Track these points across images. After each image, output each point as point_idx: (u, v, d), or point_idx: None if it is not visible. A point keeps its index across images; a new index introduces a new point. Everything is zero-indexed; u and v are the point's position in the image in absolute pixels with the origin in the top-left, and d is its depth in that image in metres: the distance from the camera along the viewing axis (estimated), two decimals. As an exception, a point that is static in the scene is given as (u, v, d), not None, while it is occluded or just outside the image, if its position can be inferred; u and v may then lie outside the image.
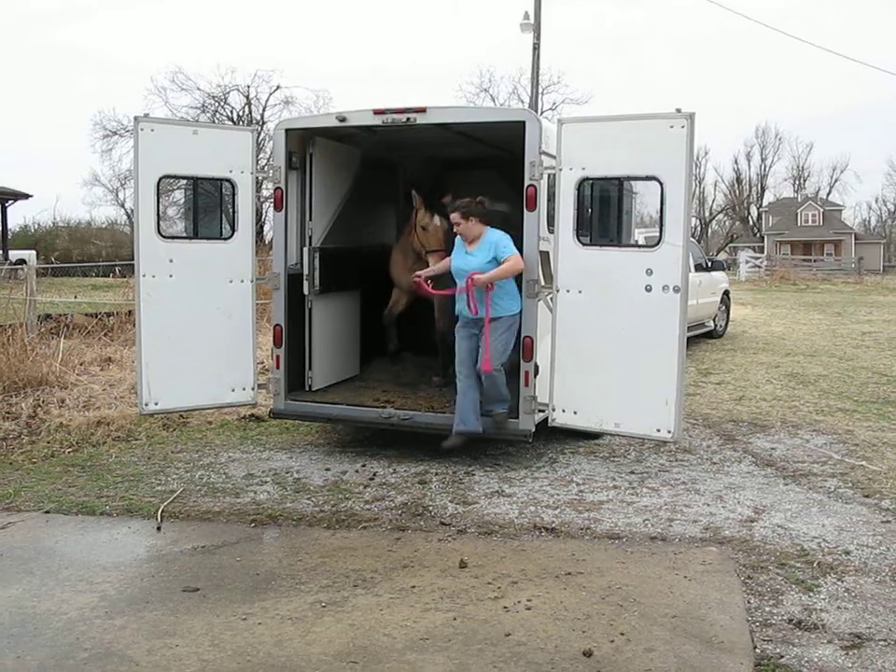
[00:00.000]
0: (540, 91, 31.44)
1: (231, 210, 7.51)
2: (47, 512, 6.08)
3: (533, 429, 6.93)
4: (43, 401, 8.98)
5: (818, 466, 7.26)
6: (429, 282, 7.28)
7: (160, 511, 6.02)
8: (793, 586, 4.77)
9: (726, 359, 13.45)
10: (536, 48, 25.12)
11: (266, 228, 30.00)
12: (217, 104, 44.78)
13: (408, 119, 7.12)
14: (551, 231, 6.98)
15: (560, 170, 6.71)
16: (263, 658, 3.98)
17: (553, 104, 48.17)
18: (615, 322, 6.60)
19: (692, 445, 7.89)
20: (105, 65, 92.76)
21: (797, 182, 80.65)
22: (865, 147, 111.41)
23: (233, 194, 7.35)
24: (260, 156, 27.47)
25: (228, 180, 7.32)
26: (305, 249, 7.89)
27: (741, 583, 4.81)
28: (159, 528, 5.77)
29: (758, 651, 4.05)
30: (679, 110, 6.35)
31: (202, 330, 7.24)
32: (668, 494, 6.44)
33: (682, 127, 6.28)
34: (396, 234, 9.09)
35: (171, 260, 7.13)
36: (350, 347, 8.77)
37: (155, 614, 4.44)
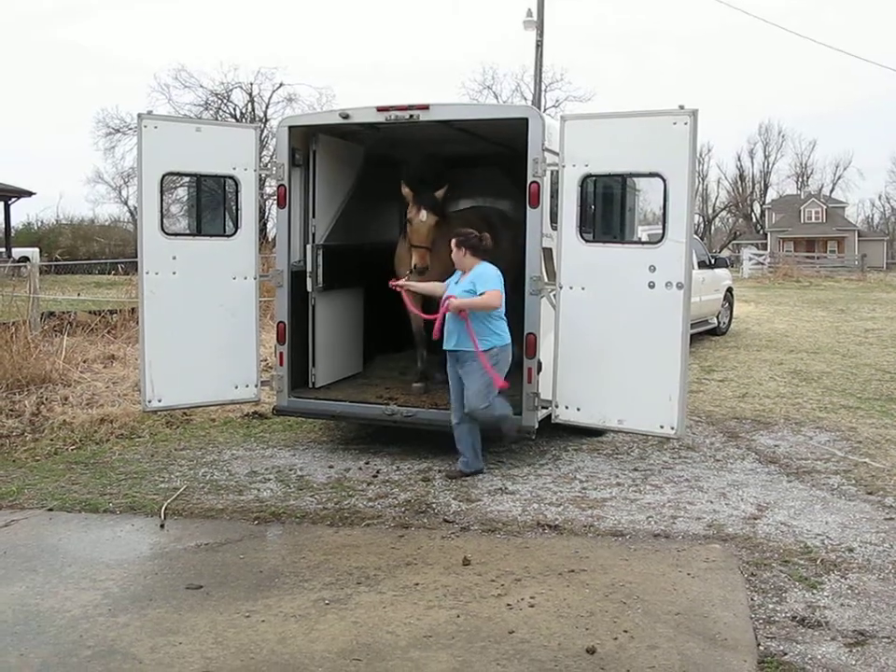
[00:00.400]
0: (543, 88, 31.43)
1: (234, 207, 7.51)
2: (50, 510, 6.08)
3: (536, 426, 6.92)
4: (46, 399, 9.00)
5: (821, 463, 7.25)
6: (409, 294, 7.10)
7: (163, 508, 6.03)
8: (797, 583, 4.77)
9: (729, 356, 13.44)
10: (539, 45, 25.09)
11: (269, 225, 30.03)
12: (220, 101, 44.70)
13: (411, 115, 7.11)
14: (554, 228, 6.98)
15: (563, 167, 6.70)
16: (267, 655, 3.98)
17: (556, 101, 48.12)
18: (618, 319, 6.60)
19: (695, 442, 7.89)
20: (105, 63, 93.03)
21: (800, 179, 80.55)
22: (869, 144, 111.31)
23: (237, 191, 7.35)
24: (264, 153, 27.44)
25: (231, 177, 7.32)
26: (309, 246, 7.89)
27: (744, 581, 4.81)
28: (162, 526, 5.77)
29: (761, 648, 4.05)
30: (682, 107, 6.34)
31: (205, 328, 7.24)
32: (672, 491, 6.44)
33: (685, 124, 6.27)
34: (399, 231, 9.08)
35: (174, 258, 7.13)
36: (353, 344, 8.77)
37: (158, 612, 4.44)
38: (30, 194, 34.38)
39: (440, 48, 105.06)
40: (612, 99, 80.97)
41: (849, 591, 4.68)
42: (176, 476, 6.86)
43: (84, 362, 10.71)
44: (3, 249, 30.99)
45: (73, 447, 7.73)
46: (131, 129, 41.69)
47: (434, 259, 7.44)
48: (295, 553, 5.28)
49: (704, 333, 15.19)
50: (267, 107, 45.31)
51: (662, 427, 6.57)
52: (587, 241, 6.77)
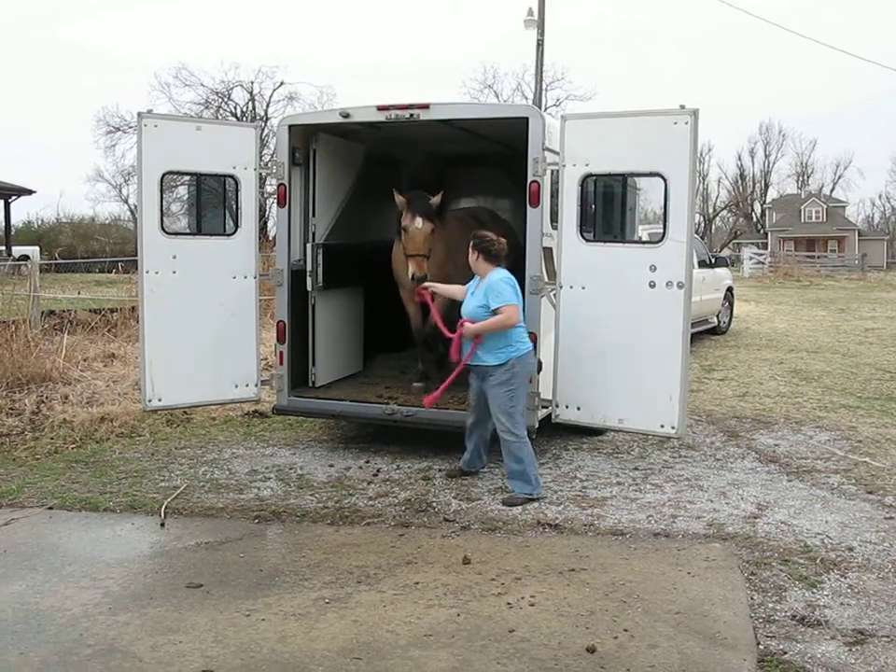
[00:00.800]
0: (544, 87, 31.41)
1: (234, 206, 7.51)
2: (50, 508, 6.09)
3: (536, 426, 6.92)
4: (46, 398, 9.00)
5: (821, 462, 7.25)
6: (433, 297, 6.92)
7: (163, 507, 6.03)
8: (797, 582, 4.77)
9: (730, 356, 13.43)
10: (540, 44, 25.08)
11: (269, 224, 29.99)
12: (220, 100, 44.73)
13: (411, 115, 7.11)
14: (554, 228, 6.97)
15: (563, 166, 6.70)
16: (267, 654, 3.98)
17: (557, 100, 48.10)
18: (619, 318, 6.59)
19: (695, 442, 7.89)
20: (105, 62, 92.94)
21: (801, 179, 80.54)
22: (869, 143, 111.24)
23: (237, 190, 7.35)
24: (264, 152, 27.45)
25: (231, 176, 7.32)
26: (308, 245, 7.88)
27: (744, 580, 4.81)
28: (162, 525, 5.77)
29: (761, 647, 4.05)
30: (682, 106, 6.34)
31: (205, 327, 7.24)
32: (672, 490, 6.44)
33: (686, 123, 6.27)
34: (398, 230, 9.07)
35: (174, 256, 7.13)
36: (353, 343, 8.77)
37: (158, 610, 4.45)
38: (30, 192, 34.34)
39: (440, 47, 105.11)
40: (613, 98, 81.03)
41: (849, 590, 4.68)
42: (177, 475, 6.86)
43: (84, 361, 10.72)
44: (3, 248, 30.96)
45: (73, 446, 7.73)
46: (131, 127, 41.70)
47: (433, 264, 7.39)
48: (295, 551, 5.29)
49: (704, 332, 15.21)
50: (268, 106, 45.36)
51: (662, 426, 6.57)
52: (588, 240, 6.76)
